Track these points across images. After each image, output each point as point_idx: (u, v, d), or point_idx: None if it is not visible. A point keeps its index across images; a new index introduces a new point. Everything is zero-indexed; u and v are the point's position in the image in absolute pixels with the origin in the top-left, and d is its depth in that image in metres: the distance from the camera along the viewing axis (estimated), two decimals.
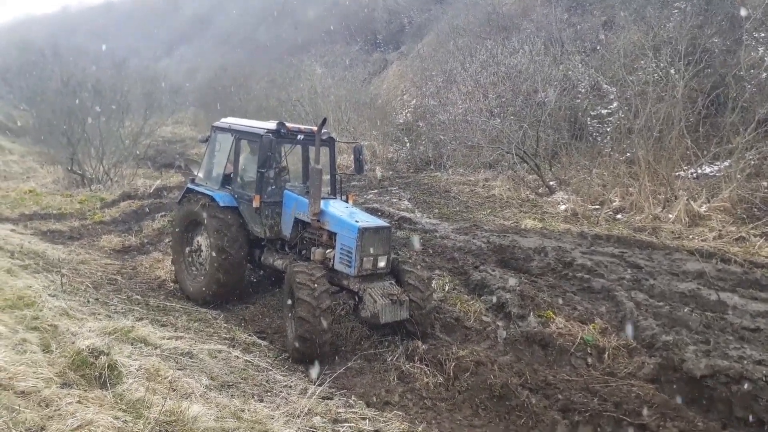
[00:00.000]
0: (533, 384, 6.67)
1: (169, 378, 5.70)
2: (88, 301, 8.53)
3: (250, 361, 7.13)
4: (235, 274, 8.96)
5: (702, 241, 12.28)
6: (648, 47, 17.76)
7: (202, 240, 9.50)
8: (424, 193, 18.40)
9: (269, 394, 6.22)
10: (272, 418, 5.35)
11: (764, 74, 16.53)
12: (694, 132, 16.27)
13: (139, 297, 9.51)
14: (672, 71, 16.59)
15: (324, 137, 9.06)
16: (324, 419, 5.67)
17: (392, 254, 7.96)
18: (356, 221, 7.60)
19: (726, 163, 15.17)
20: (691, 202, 13.82)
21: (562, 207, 16.18)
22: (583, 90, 21.07)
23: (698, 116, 16.57)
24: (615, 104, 19.73)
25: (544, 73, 20.35)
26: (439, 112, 23.90)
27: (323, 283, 7.17)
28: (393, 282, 7.73)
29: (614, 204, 15.52)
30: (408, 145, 24.58)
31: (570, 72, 20.46)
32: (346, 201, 9.21)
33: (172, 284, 10.45)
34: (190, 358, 6.87)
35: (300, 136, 9.01)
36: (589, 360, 7.38)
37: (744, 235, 12.20)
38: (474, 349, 7.37)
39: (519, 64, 21.77)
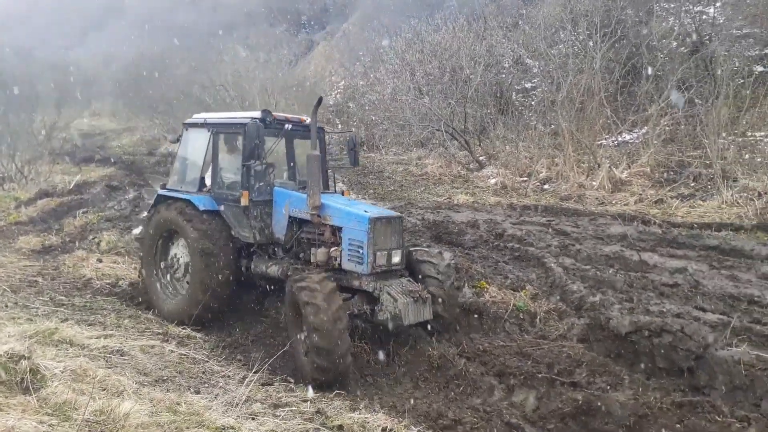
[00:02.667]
0: (470, 352, 6.83)
1: (99, 377, 5.47)
2: (6, 306, 8.04)
3: (185, 354, 6.93)
4: (222, 288, 7.62)
5: (624, 205, 12.87)
6: (566, 20, 18.28)
7: (179, 252, 8.26)
8: (358, 174, 18.37)
9: (206, 385, 6.07)
10: (210, 409, 5.22)
11: (674, 43, 17.37)
12: (613, 101, 16.97)
13: (63, 297, 9.05)
14: (590, 43, 17.17)
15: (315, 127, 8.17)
16: (264, 405, 5.59)
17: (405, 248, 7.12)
18: (365, 211, 6.74)
19: (643, 130, 15.92)
20: (613, 169, 14.45)
21: (492, 181, 16.56)
22: (507, 65, 21.49)
23: (616, 86, 17.28)
24: (538, 78, 20.25)
25: (468, 49, 20.60)
26: (368, 92, 23.84)
27: (336, 299, 6.12)
28: (410, 279, 6.92)
29: (541, 175, 16.02)
30: (340, 126, 24.43)
31: (493, 47, 20.79)
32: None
33: (98, 282, 10.01)
34: (121, 355, 6.61)
35: (287, 126, 7.88)
36: (522, 325, 7.62)
37: (662, 197, 12.88)
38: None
39: (443, 41, 21.94)
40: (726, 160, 12.95)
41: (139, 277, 9.06)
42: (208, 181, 8.15)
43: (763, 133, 13.97)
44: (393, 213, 7.06)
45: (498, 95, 20.38)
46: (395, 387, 6.43)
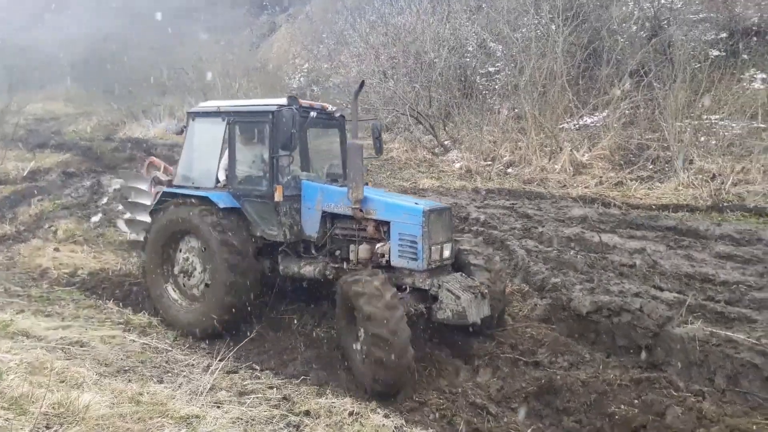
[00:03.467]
0: (438, 338, 6.88)
1: (57, 369, 5.34)
2: None
3: (147, 344, 6.83)
4: (249, 292, 6.96)
5: (585, 188, 13.10)
6: (529, 3, 18.36)
7: (193, 256, 7.45)
8: (323, 159, 18.19)
9: (170, 374, 6.00)
10: (173, 398, 5.16)
11: (634, 27, 17.64)
12: (575, 85, 17.17)
13: (18, 288, 8.81)
14: (552, 27, 17.30)
15: (337, 114, 7.79)
16: (229, 393, 5.56)
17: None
18: (415, 203, 6.38)
19: (604, 114, 16.17)
20: (575, 152, 14.66)
21: (457, 165, 16.63)
22: (471, 49, 21.52)
23: (578, 70, 17.47)
24: (501, 62, 20.34)
25: (432, 32, 20.55)
26: (332, 75, 23.60)
27: (398, 305, 5.68)
28: (463, 273, 6.57)
29: (505, 159, 16.15)
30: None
31: (457, 30, 20.78)
32: None
33: (55, 271, 9.73)
34: (81, 346, 6.48)
35: (312, 114, 7.23)
36: None
37: (622, 180, 13.14)
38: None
39: (407, 24, 21.82)
40: (683, 142, 13.27)
41: (143, 279, 8.18)
42: (221, 176, 7.47)
43: (718, 117, 14.35)
44: (443, 204, 6.70)
45: (462, 79, 20.41)
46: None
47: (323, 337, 7.07)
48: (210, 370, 5.85)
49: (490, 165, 15.96)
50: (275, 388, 5.78)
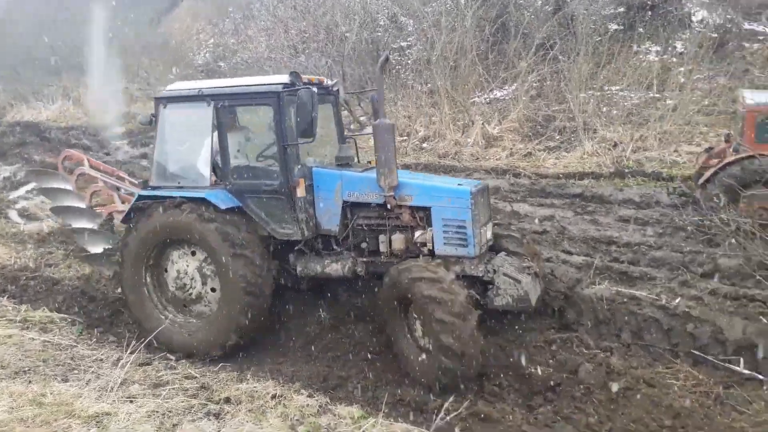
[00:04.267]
0: (359, 314, 6.83)
1: None
2: None
3: (49, 341, 6.35)
4: (265, 303, 6.12)
5: (497, 159, 13.45)
6: None
7: (189, 269, 6.35)
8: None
9: (75, 371, 5.61)
10: (80, 397, 4.84)
11: (539, 1, 18.13)
12: (485, 59, 17.50)
13: None
14: (462, 1, 17.48)
15: (335, 89, 6.90)
16: (143, 386, 5.28)
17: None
18: (458, 185, 5.89)
19: (513, 87, 16.60)
20: (486, 126, 14.99)
21: (372, 141, 16.56)
22: (382, 23, 21.39)
23: (487, 44, 17.80)
24: (413, 36, 20.37)
25: (343, 5, 20.24)
26: (240, 50, 22.79)
27: (460, 290, 5.25)
28: (507, 254, 6.06)
29: (420, 134, 16.27)
30: None
31: (368, 4, 20.58)
32: None
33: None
34: None
35: (312, 89, 6.05)
36: None
37: (531, 150, 13.60)
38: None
39: None
40: (587, 113, 13.87)
41: (125, 301, 6.71)
42: (202, 170, 6.36)
43: (618, 87, 15.10)
44: (481, 182, 6.16)
45: (375, 54, 20.28)
46: (286, 354, 6.30)
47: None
48: (120, 364, 5.52)
49: (405, 140, 16.03)
50: (192, 378, 5.55)
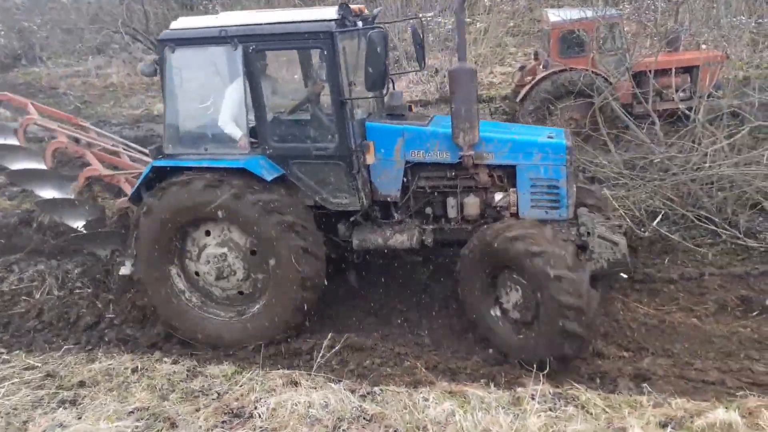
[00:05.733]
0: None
1: None
2: None
3: None
4: (320, 284, 5.19)
5: None
6: None
7: (215, 250, 5.20)
8: (22, 93, 15.30)
9: None
10: None
11: None
12: None
13: None
14: None
15: (375, 16, 5.54)
16: None
17: None
18: (549, 137, 5.07)
19: None
20: None
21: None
22: None
23: None
24: None
25: None
26: None
27: (583, 266, 4.59)
28: (586, 210, 5.29)
29: None
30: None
31: None
32: None
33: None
34: None
35: (359, 23, 5.11)
36: None
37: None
38: None
39: None
40: (406, 41, 14.14)
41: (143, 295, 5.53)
42: (236, 133, 5.10)
43: (431, 14, 15.55)
44: (564, 130, 5.36)
45: None
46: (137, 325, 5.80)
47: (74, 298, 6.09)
48: None
49: None
50: (33, 368, 4.91)
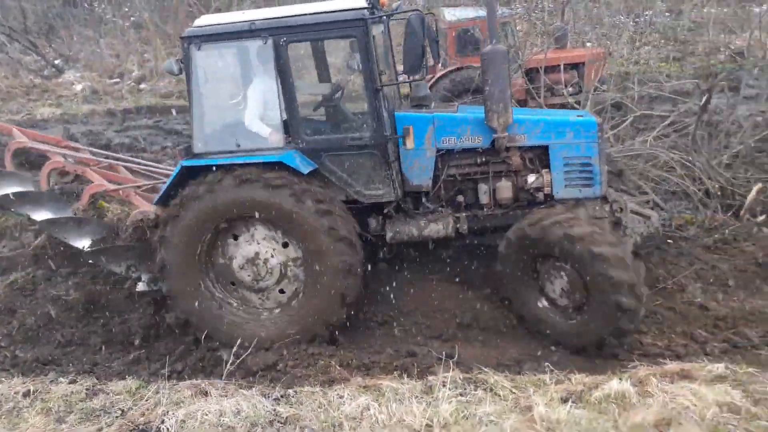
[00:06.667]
0: None
1: None
2: None
3: None
4: (362, 278, 5.05)
5: None
6: None
7: (246, 250, 5.07)
8: None
9: None
10: None
11: None
12: None
13: None
14: None
15: (394, 5, 5.34)
16: None
17: None
18: (578, 116, 5.16)
19: None
20: None
21: (79, 87, 14.53)
22: None
23: None
24: None
25: None
26: None
27: (623, 241, 4.68)
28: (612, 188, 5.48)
29: (134, 74, 14.78)
30: None
31: None
32: None
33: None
34: None
35: (383, 14, 4.96)
36: None
37: None
38: None
39: None
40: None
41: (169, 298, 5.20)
42: (272, 127, 5.02)
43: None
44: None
45: None
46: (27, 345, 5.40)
47: None
48: None
49: (118, 82, 14.41)
50: None
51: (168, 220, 4.97)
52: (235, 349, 4.75)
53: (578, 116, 5.25)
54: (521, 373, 4.32)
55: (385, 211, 5.32)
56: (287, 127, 5.02)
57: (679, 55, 12.98)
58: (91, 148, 7.58)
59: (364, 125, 5.10)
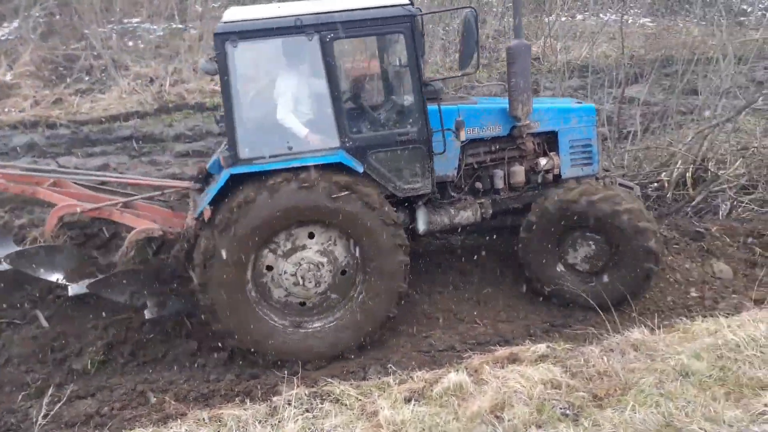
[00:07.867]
0: None
1: None
2: None
3: None
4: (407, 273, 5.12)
5: (20, 111, 11.46)
6: None
7: (306, 255, 4.87)
8: None
9: None
10: None
11: None
12: None
13: None
14: None
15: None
16: None
17: None
18: (578, 102, 6.08)
19: (15, 25, 14.17)
20: None
21: None
22: None
23: None
24: None
25: None
26: None
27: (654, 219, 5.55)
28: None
29: None
30: None
31: None
32: None
33: None
34: None
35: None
36: None
37: (60, 96, 12.02)
38: None
39: None
40: (112, 49, 12.97)
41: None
42: (329, 127, 4.88)
43: (137, 20, 14.51)
44: None
45: None
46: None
47: None
48: None
49: None
50: None
51: (221, 229, 4.64)
52: (46, 399, 4.19)
53: (578, 103, 6.05)
54: (366, 378, 4.36)
55: (422, 202, 5.41)
56: (340, 125, 4.91)
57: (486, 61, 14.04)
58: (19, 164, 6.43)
59: (411, 120, 5.16)
